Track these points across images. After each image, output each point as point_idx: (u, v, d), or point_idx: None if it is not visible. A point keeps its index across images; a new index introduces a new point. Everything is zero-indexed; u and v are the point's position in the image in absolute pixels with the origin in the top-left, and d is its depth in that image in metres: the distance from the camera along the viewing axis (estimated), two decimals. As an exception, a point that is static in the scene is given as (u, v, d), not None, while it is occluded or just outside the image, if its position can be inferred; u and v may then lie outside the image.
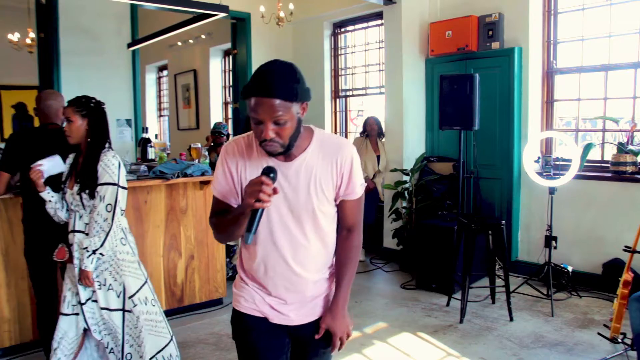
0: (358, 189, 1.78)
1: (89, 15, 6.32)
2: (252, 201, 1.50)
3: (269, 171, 1.54)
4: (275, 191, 1.52)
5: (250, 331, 1.83)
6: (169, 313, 4.33)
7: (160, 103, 11.43)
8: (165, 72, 10.98)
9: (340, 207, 1.81)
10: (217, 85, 9.13)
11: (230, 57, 8.00)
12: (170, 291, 4.35)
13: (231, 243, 5.20)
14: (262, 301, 1.81)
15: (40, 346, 3.78)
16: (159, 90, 11.42)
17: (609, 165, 4.88)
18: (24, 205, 3.33)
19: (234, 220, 1.65)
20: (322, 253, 1.81)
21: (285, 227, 1.73)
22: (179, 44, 9.53)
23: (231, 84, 8.35)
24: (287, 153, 1.65)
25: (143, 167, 4.30)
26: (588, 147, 4.83)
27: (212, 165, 4.73)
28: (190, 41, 9.26)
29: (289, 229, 1.73)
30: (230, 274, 5.31)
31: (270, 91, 1.52)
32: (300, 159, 1.70)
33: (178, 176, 4.12)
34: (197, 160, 5.29)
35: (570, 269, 4.87)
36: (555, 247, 4.94)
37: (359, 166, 1.79)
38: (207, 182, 4.39)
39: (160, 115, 11.40)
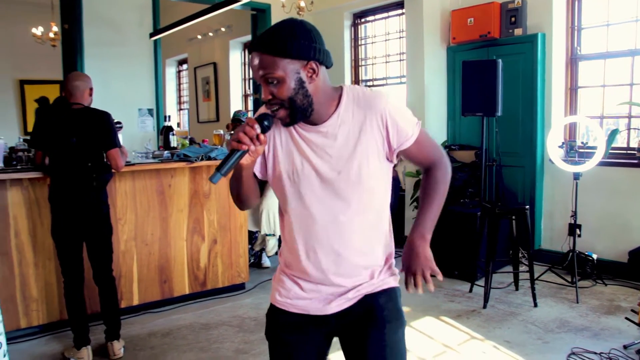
0: (412, 130, 1.56)
1: (112, 6, 6.40)
2: (234, 141, 1.41)
3: (262, 118, 1.45)
4: (259, 139, 1.41)
5: (283, 328, 1.68)
6: (191, 297, 4.40)
7: (180, 96, 11.53)
8: (185, 66, 11.06)
9: (406, 155, 1.62)
10: (237, 78, 9.17)
11: (250, 49, 8.03)
12: (193, 275, 4.38)
13: (253, 229, 5.22)
14: (300, 292, 1.63)
15: (67, 326, 3.86)
16: (179, 84, 11.52)
17: (635, 152, 4.81)
18: (51, 184, 3.39)
19: (235, 176, 1.55)
20: (369, 229, 1.59)
21: (320, 202, 1.54)
22: (199, 37, 9.60)
23: (251, 76, 8.38)
24: (301, 118, 1.50)
25: (166, 153, 4.34)
26: (614, 133, 4.77)
27: (234, 151, 4.75)
28: (210, 34, 9.32)
29: (325, 203, 1.54)
30: (252, 261, 5.35)
31: (258, 45, 1.42)
32: (330, 123, 1.52)
33: (202, 159, 4.14)
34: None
35: (595, 256, 4.82)
36: (579, 235, 4.89)
37: (403, 108, 1.58)
38: (230, 167, 4.40)
39: (180, 109, 11.50)
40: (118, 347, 3.48)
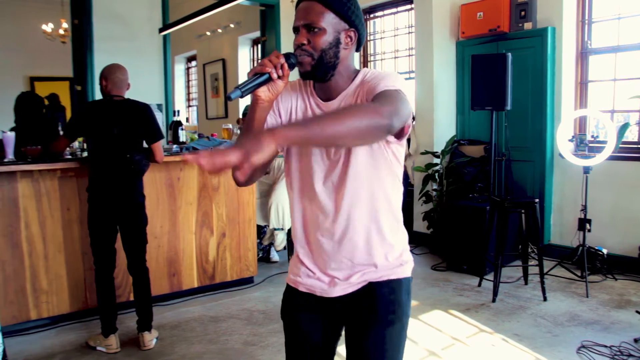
0: (383, 86, 1.42)
1: (122, 1, 6.43)
2: (258, 66, 1.39)
3: (288, 54, 1.44)
4: (283, 68, 1.39)
5: (293, 306, 1.68)
6: (200, 290, 4.41)
7: (188, 93, 11.57)
8: (193, 63, 11.10)
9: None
10: (246, 74, 9.17)
11: (259, 45, 8.04)
12: (202, 268, 4.39)
13: (261, 224, 5.22)
14: (307, 271, 1.63)
15: (76, 318, 3.89)
16: (188, 81, 11.56)
17: (645, 146, 4.79)
18: (90, 174, 3.44)
19: (245, 126, 1.50)
20: (369, 211, 1.54)
21: (319, 185, 1.54)
22: (208, 33, 9.62)
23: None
24: (319, 76, 1.49)
25: (175, 148, 4.34)
26: (624, 127, 4.73)
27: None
28: (219, 30, 9.33)
29: (322, 188, 1.54)
30: (260, 255, 5.35)
31: None
32: (336, 101, 1.53)
33: (211, 152, 4.14)
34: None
35: (605, 251, 4.79)
36: (589, 230, 4.86)
37: (389, 75, 1.48)
38: (238, 160, 4.41)
39: (189, 105, 11.54)
40: (149, 338, 3.49)
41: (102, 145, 3.36)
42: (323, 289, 1.61)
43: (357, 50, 1.57)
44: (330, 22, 1.46)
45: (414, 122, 6.09)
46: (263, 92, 1.42)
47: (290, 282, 1.69)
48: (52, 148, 3.56)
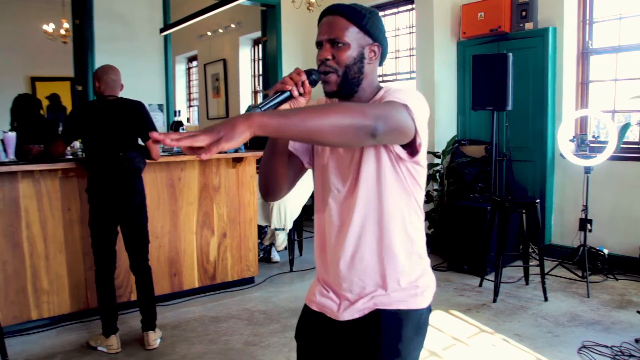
0: (393, 97, 1.37)
1: (123, 1, 6.43)
2: (279, 84, 1.37)
3: (310, 71, 1.42)
4: (304, 85, 1.37)
5: (303, 324, 1.65)
6: (201, 290, 4.41)
7: (189, 93, 11.58)
8: (194, 63, 11.10)
9: None
10: (247, 74, 9.19)
11: (260, 45, 8.04)
12: (202, 268, 4.39)
13: (262, 224, 5.22)
14: (322, 290, 1.60)
15: (76, 318, 3.89)
16: (189, 81, 11.57)
17: (646, 146, 4.78)
18: (89, 175, 3.44)
19: (268, 143, 1.50)
20: (380, 230, 1.48)
21: (333, 203, 1.52)
22: (209, 34, 9.62)
23: (261, 72, 8.39)
24: (344, 94, 1.46)
25: (176, 148, 4.33)
26: (625, 127, 4.73)
27: (244, 145, 4.76)
28: (220, 31, 9.33)
29: (335, 206, 1.52)
30: (261, 255, 5.35)
31: (337, 8, 1.44)
32: None
33: (211, 152, 4.14)
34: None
35: (606, 251, 4.78)
36: (590, 230, 4.86)
37: (402, 90, 1.41)
38: (240, 160, 4.42)
39: (190, 106, 11.54)
40: (154, 337, 3.49)
41: (98, 146, 3.36)
42: (332, 310, 1.55)
43: (380, 64, 1.54)
44: (354, 36, 1.44)
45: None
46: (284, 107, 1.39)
47: (306, 301, 1.66)
48: (50, 151, 3.55)
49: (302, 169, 1.64)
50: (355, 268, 1.50)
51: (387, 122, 1.25)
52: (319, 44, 1.46)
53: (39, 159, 3.62)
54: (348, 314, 1.52)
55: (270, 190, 1.58)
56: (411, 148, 1.40)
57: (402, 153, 1.42)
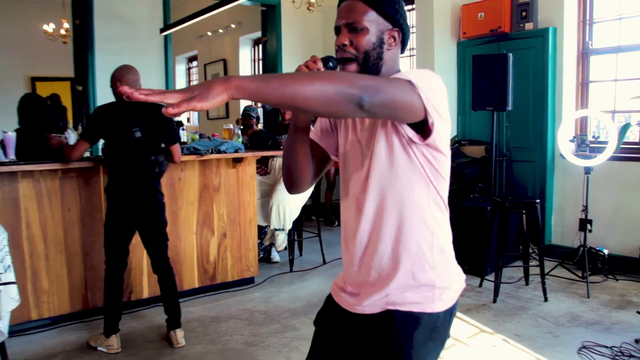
0: (400, 75, 1.31)
1: (123, 1, 6.43)
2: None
3: (327, 58, 1.39)
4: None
5: (323, 311, 1.64)
6: (201, 290, 4.41)
7: (190, 93, 11.56)
8: (194, 63, 11.10)
9: None
10: (247, 74, 9.18)
11: (260, 45, 8.04)
12: (202, 268, 4.39)
13: (262, 224, 5.22)
14: (341, 282, 1.58)
15: (76, 319, 3.89)
16: (189, 81, 11.58)
17: (646, 146, 4.78)
18: (109, 174, 3.44)
19: (289, 134, 1.50)
20: (395, 219, 1.41)
21: (352, 193, 1.49)
22: (209, 34, 9.63)
23: (261, 72, 8.38)
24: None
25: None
26: (625, 128, 4.73)
27: (244, 145, 4.76)
28: (220, 31, 9.34)
29: (352, 195, 1.48)
30: (261, 255, 5.35)
31: None
32: None
33: (212, 152, 4.15)
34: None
35: (606, 252, 4.78)
36: (590, 230, 4.86)
37: (420, 72, 1.33)
38: (240, 160, 4.42)
39: (190, 106, 11.53)
40: (180, 335, 3.51)
41: (123, 147, 3.35)
42: (349, 303, 1.52)
43: (402, 51, 1.50)
44: (373, 21, 1.40)
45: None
46: None
47: (330, 289, 1.65)
48: (70, 152, 3.48)
49: (326, 159, 1.62)
50: (371, 259, 1.45)
51: (377, 93, 1.17)
52: (337, 29, 1.43)
53: (57, 150, 3.60)
54: (361, 308, 1.47)
55: (294, 182, 1.56)
56: (423, 130, 1.33)
57: (413, 135, 1.34)
